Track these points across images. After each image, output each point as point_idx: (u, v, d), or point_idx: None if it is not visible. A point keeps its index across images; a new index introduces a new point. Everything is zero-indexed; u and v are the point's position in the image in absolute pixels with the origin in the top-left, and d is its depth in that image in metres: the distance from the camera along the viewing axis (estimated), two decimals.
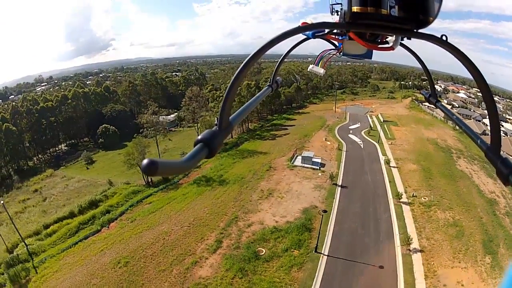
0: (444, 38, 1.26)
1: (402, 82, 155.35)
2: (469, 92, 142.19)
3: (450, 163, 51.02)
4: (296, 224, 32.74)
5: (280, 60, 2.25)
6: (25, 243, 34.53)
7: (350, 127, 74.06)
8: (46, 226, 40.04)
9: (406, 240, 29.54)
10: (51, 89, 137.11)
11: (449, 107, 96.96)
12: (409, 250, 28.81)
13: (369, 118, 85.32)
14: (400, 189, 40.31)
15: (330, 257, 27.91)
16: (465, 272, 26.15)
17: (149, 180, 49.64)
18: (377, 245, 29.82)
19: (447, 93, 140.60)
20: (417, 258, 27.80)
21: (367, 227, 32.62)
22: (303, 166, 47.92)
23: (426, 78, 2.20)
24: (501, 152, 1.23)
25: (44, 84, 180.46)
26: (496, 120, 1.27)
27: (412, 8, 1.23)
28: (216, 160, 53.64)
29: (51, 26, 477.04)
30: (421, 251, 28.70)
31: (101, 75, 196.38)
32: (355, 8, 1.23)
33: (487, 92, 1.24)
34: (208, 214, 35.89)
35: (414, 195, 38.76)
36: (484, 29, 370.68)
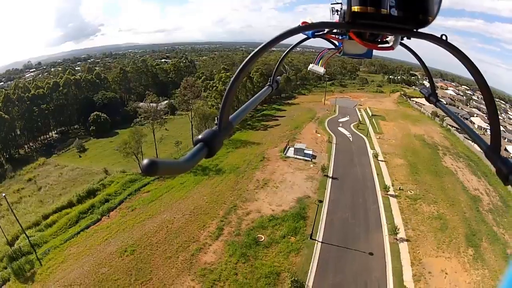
0: (444, 37, 1.29)
1: (390, 76, 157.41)
2: (458, 90, 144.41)
3: (436, 159, 53.03)
4: (291, 212, 34.54)
5: (280, 59, 2.29)
6: (26, 234, 33.49)
7: (339, 120, 75.53)
8: (45, 217, 39.28)
9: (393, 230, 31.62)
10: (40, 75, 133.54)
11: None
12: (396, 239, 30.87)
13: (357, 111, 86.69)
14: (388, 182, 42.38)
15: (324, 244, 29.87)
16: (448, 262, 28.29)
17: None
18: (367, 233, 31.86)
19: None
20: (403, 247, 29.90)
21: (357, 217, 34.61)
22: (296, 158, 49.38)
23: (427, 77, 2.25)
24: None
25: (33, 70, 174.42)
26: (496, 120, 1.29)
27: (412, 8, 1.23)
28: None
29: (40, 11, 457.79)
30: (407, 240, 30.82)
31: (89, 60, 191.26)
32: (355, 8, 1.25)
33: (487, 92, 1.26)
34: (208, 202, 37.18)
35: (400, 188, 40.85)
36: (477, 28, 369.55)
